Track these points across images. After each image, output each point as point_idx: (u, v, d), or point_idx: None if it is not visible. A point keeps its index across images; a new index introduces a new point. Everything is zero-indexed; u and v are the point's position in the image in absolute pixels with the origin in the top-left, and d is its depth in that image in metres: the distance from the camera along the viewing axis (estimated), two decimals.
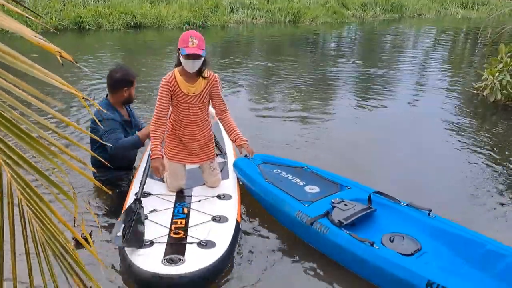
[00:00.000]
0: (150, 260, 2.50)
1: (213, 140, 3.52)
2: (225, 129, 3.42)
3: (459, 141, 5.41)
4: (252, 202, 3.59)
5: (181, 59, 2.99)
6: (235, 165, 3.71)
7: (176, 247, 2.67)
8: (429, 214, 3.02)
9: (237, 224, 3.01)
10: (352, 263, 2.81)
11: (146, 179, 3.35)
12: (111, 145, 3.33)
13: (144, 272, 2.41)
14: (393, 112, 6.65)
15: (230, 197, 3.33)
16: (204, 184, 3.50)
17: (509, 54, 6.80)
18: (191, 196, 3.34)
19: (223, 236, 2.82)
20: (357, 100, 7.36)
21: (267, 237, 3.27)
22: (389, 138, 5.51)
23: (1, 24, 1.10)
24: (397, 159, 4.83)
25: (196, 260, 2.55)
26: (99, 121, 3.37)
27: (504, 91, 6.70)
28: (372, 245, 2.66)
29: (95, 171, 3.38)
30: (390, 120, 6.23)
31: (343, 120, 6.21)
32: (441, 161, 4.81)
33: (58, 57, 1.21)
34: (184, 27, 13.87)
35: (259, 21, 15.97)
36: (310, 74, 9.15)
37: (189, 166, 3.50)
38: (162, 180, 3.47)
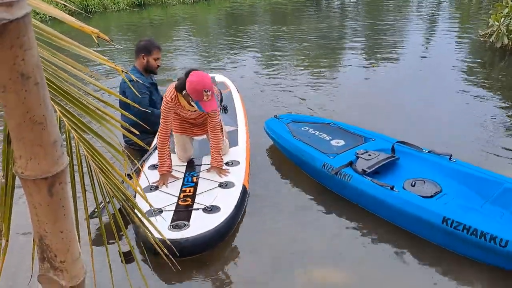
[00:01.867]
0: (157, 227, 2.68)
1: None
2: (210, 145, 3.40)
3: (470, 89, 5.53)
4: (263, 167, 3.83)
5: (193, 103, 3.00)
6: (266, 125, 4.02)
7: (182, 213, 2.81)
8: (449, 158, 3.19)
9: (244, 189, 3.13)
10: (374, 206, 3.05)
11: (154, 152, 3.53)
12: (149, 111, 3.69)
13: (152, 238, 2.59)
14: (405, 64, 6.75)
15: (238, 163, 3.44)
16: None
17: None
18: (201, 165, 3.48)
19: (228, 201, 2.94)
20: (368, 55, 7.47)
21: (277, 201, 3.42)
22: (404, 89, 5.67)
23: (48, 11, 1.31)
24: (415, 109, 4.98)
25: (200, 225, 2.70)
26: (130, 81, 3.65)
27: (511, 36, 6.70)
28: (392, 189, 2.88)
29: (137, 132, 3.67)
30: (403, 72, 6.40)
31: (357, 76, 6.36)
32: (457, 109, 4.96)
33: (95, 38, 1.42)
34: (187, 1, 13.85)
35: None
36: (318, 36, 9.20)
37: (198, 137, 3.65)
38: (173, 151, 3.58)
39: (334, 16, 11.95)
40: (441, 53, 7.30)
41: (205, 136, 3.62)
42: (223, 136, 3.43)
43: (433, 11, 10.80)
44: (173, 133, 3.48)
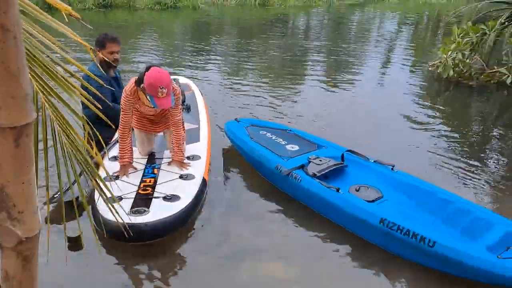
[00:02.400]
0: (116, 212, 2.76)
1: None
2: (170, 140, 3.48)
3: (416, 114, 5.99)
4: (224, 162, 4.00)
5: (149, 98, 3.03)
6: (226, 127, 4.20)
7: (142, 201, 2.88)
8: (392, 168, 3.47)
9: (203, 181, 3.25)
10: (321, 207, 3.25)
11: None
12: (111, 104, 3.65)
13: (112, 223, 2.60)
14: (360, 85, 7.26)
15: (199, 157, 3.55)
16: None
17: (461, 35, 7.35)
18: (162, 158, 3.57)
19: (188, 191, 3.02)
20: (328, 72, 7.90)
21: (236, 193, 3.62)
22: (358, 107, 6.07)
23: None
24: (365, 124, 5.40)
25: (159, 211, 2.77)
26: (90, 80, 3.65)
27: (457, 69, 7.27)
28: (337, 190, 3.10)
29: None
30: (359, 91, 6.87)
31: (316, 90, 6.77)
32: (403, 129, 5.38)
33: (66, 16, 1.51)
34: (155, 7, 13.89)
35: (230, 3, 16.12)
36: (282, 51, 9.55)
37: (158, 134, 3.74)
38: (134, 144, 3.61)
39: (299, 36, 12.40)
40: (394, 79, 7.82)
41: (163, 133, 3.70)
42: (184, 133, 3.51)
43: (391, 42, 11.48)
44: (134, 128, 3.52)
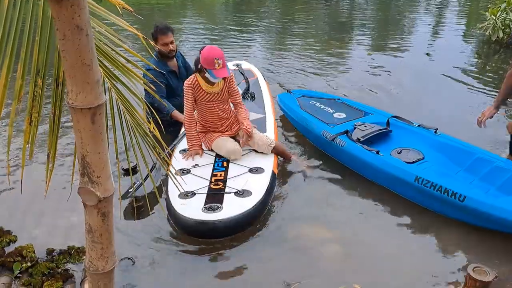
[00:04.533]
0: (192, 208, 2.74)
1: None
2: (237, 117, 3.53)
3: (465, 77, 5.84)
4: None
5: (207, 75, 3.18)
6: (279, 98, 4.46)
7: (215, 196, 2.87)
8: (435, 132, 3.55)
9: (273, 174, 3.19)
10: (363, 169, 3.45)
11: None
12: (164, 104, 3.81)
13: (187, 219, 2.66)
14: (408, 53, 7.07)
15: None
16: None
17: None
18: None
19: (259, 186, 2.99)
20: (375, 42, 7.79)
21: (302, 187, 3.47)
22: (406, 74, 5.98)
23: None
24: (413, 90, 5.40)
25: (233, 207, 2.75)
26: (148, 69, 3.71)
27: (507, 30, 6.94)
28: (377, 153, 3.28)
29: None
30: (406, 61, 6.70)
31: (364, 60, 6.71)
32: (451, 94, 5.31)
33: (119, 8, 1.74)
34: None
35: None
36: (327, 23, 9.49)
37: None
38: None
39: (343, 6, 12.18)
40: (442, 44, 7.61)
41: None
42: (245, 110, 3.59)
43: (441, 7, 11.03)
44: (211, 144, 3.46)
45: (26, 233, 2.78)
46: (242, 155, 3.37)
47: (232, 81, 3.43)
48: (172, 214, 2.80)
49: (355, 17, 10.06)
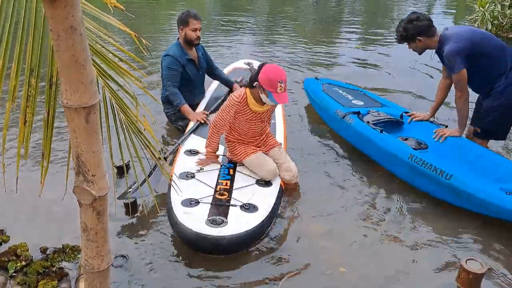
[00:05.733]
0: (195, 219, 2.59)
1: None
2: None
3: None
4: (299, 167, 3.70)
5: (263, 96, 2.93)
6: (305, 82, 4.78)
7: (219, 208, 2.72)
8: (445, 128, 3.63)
9: (281, 189, 3.06)
10: (365, 146, 3.66)
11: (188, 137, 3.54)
12: (169, 93, 3.88)
13: (189, 231, 2.52)
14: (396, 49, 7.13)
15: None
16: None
17: None
18: None
19: (265, 201, 2.85)
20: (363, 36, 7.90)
21: (309, 202, 3.26)
22: (401, 72, 6.10)
23: None
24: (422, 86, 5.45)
25: (238, 223, 2.60)
26: (166, 55, 3.88)
27: (496, 22, 7.03)
28: (381, 131, 3.48)
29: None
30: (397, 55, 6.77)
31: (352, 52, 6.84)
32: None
33: (111, 7, 1.73)
34: None
35: None
36: (313, 21, 9.51)
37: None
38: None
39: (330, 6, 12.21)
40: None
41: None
42: None
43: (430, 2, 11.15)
44: (243, 158, 3.21)
45: (20, 232, 2.77)
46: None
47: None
48: (174, 222, 2.65)
49: (345, 10, 10.11)
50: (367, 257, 2.64)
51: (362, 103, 4.18)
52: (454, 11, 9.58)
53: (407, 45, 3.40)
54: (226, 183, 2.99)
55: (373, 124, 3.64)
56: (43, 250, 2.60)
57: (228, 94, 4.24)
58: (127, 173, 2.89)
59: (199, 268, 2.55)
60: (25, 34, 1.32)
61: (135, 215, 2.96)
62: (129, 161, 1.90)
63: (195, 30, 3.89)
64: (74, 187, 1.47)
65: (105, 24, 1.72)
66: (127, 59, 1.80)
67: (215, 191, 2.89)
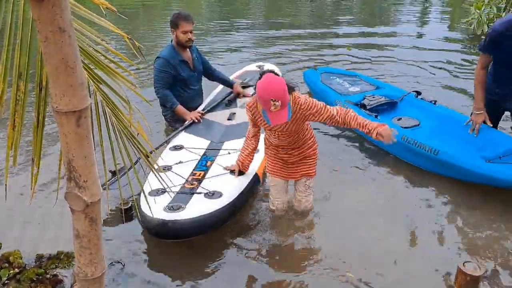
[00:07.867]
0: (155, 207, 2.56)
1: (315, 157, 2.92)
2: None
3: (451, 68, 6.07)
4: None
5: (262, 113, 2.53)
6: (304, 74, 5.00)
7: (183, 196, 2.71)
8: (434, 103, 3.99)
9: (255, 176, 3.00)
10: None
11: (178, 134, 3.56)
12: (159, 95, 3.89)
13: (148, 218, 2.52)
14: (399, 43, 7.32)
15: (258, 150, 3.04)
16: (234, 139, 3.43)
17: None
18: (219, 149, 3.34)
19: (233, 188, 2.81)
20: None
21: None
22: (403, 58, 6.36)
23: None
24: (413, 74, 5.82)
25: (196, 208, 2.58)
26: (157, 58, 3.87)
27: (491, 24, 7.02)
28: (376, 117, 3.73)
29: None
30: (397, 51, 6.95)
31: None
32: (441, 78, 5.70)
33: (103, 9, 1.70)
34: None
35: None
36: (310, 24, 9.52)
37: (228, 122, 3.70)
38: (198, 134, 3.58)
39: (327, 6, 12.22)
40: (429, 39, 7.75)
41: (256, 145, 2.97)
42: None
43: (426, 5, 11.19)
44: (273, 170, 2.95)
45: (12, 239, 2.73)
46: (229, 153, 3.22)
47: (307, 107, 2.57)
48: (139, 212, 2.66)
49: (342, 9, 10.15)
50: (363, 260, 2.62)
51: (358, 89, 4.47)
52: (449, 15, 9.60)
53: None
54: (200, 174, 3.00)
55: (369, 110, 3.90)
56: (38, 257, 2.56)
57: (230, 94, 4.23)
58: (120, 177, 2.85)
59: (196, 272, 2.52)
60: (13, 35, 1.29)
61: (130, 221, 2.93)
62: (123, 167, 1.86)
63: (185, 32, 3.80)
64: (65, 193, 1.43)
65: (100, 28, 1.70)
66: (122, 64, 1.76)
67: (186, 181, 2.89)
